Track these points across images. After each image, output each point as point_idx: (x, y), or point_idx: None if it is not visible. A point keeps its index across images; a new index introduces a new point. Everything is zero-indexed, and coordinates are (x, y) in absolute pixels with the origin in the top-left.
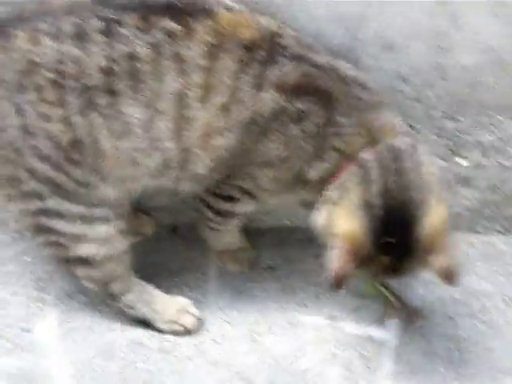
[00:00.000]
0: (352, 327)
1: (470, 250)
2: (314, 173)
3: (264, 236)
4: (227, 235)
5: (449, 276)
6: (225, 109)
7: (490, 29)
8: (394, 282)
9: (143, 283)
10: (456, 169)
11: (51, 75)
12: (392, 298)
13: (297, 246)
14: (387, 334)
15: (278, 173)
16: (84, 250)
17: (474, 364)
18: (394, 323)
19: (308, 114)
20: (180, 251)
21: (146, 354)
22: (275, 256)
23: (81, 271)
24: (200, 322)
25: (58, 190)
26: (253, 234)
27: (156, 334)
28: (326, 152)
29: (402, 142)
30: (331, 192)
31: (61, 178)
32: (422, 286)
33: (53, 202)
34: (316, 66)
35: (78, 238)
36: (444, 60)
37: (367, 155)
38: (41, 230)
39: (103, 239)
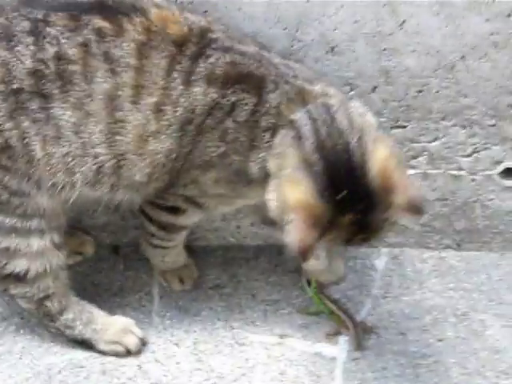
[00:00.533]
0: (301, 345)
1: (422, 265)
2: (254, 167)
3: (209, 254)
4: (171, 252)
5: (415, 207)
6: (157, 109)
7: (434, 29)
8: (342, 298)
9: (82, 302)
10: None
11: None
12: (341, 314)
13: (243, 264)
14: (337, 350)
15: (220, 173)
16: (17, 265)
17: (426, 378)
18: (343, 340)
19: (239, 103)
20: (122, 271)
21: (86, 376)
22: (221, 274)
23: (15, 289)
24: (142, 343)
25: None
26: (198, 252)
27: (97, 355)
28: (260, 138)
29: (332, 99)
30: (271, 166)
31: None
32: (373, 300)
33: None
34: (244, 54)
35: (12, 253)
36: (388, 63)
37: (296, 115)
38: None
39: (37, 253)
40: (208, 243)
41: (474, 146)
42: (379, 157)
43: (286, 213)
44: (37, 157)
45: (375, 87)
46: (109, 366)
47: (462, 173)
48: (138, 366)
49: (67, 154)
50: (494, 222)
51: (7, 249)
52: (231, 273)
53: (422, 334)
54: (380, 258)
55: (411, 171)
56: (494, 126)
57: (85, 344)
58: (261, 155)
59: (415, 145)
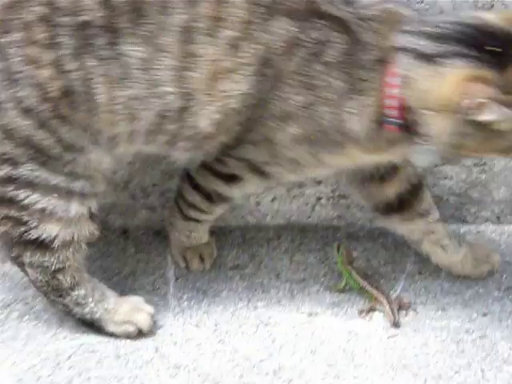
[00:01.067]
0: (333, 323)
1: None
2: (353, 119)
3: (227, 235)
4: (201, 228)
5: None
6: (234, 45)
7: None
8: (374, 275)
9: (95, 280)
10: None
11: (41, 10)
12: (373, 290)
13: (264, 244)
14: (372, 327)
15: (303, 129)
16: (46, 230)
17: (472, 354)
18: (378, 316)
19: (326, 41)
20: (133, 254)
21: (98, 360)
22: (241, 255)
23: (31, 257)
24: (154, 322)
25: (39, 154)
26: (216, 233)
27: (110, 339)
28: (360, 81)
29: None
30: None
31: (45, 139)
32: (408, 276)
33: (27, 170)
34: None
35: (46, 216)
36: None
37: (397, 40)
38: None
39: (72, 220)
40: (225, 223)
41: None
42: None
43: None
44: (99, 103)
45: None
46: (123, 350)
47: None
48: (156, 348)
49: (132, 96)
50: None
51: (43, 210)
52: (251, 253)
53: (463, 308)
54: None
55: None
56: None
57: (93, 326)
58: (365, 101)
59: None
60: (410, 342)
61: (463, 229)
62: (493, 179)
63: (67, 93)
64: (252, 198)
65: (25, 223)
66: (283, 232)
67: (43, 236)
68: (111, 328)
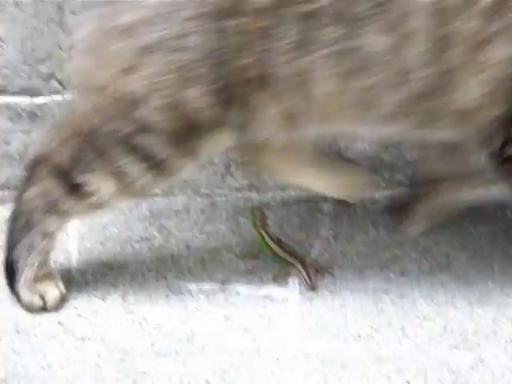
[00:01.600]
0: (247, 289)
1: (374, 206)
2: None
3: (133, 208)
4: None
5: None
6: (497, 8)
7: None
8: (288, 241)
9: None
10: None
11: None
12: (287, 255)
13: (172, 216)
14: (288, 292)
15: None
16: None
17: (391, 313)
18: (294, 281)
19: None
20: None
21: None
22: (149, 227)
23: None
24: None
25: None
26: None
27: (7, 314)
28: None
29: None
30: None
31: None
32: (323, 241)
33: None
34: None
35: None
36: None
37: None
38: None
39: None
40: None
41: None
42: None
43: None
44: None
45: None
46: (23, 325)
47: None
48: (59, 322)
49: (370, 85)
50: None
51: None
52: (159, 225)
53: (381, 270)
54: (326, 200)
55: None
56: None
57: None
58: None
59: None
60: (328, 304)
61: (377, 195)
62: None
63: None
64: None
65: None
66: (192, 203)
67: None
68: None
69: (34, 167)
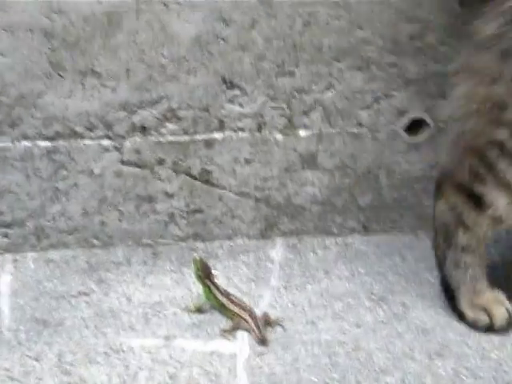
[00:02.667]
0: (193, 345)
1: (325, 252)
2: None
3: (70, 261)
4: None
5: None
6: None
7: None
8: (236, 292)
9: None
10: (294, 143)
11: None
12: (235, 307)
13: (111, 268)
14: (236, 346)
15: None
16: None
17: (346, 366)
18: (243, 335)
19: None
20: None
21: None
22: (86, 281)
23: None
24: None
25: None
26: (56, 260)
27: None
28: None
29: None
30: None
31: None
32: (273, 292)
33: None
34: None
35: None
36: None
37: None
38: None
39: None
40: (66, 248)
41: (374, 94)
42: None
43: None
44: None
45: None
46: None
47: (363, 130)
48: None
49: None
50: (404, 192)
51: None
52: (98, 278)
53: (334, 321)
54: (275, 248)
55: (303, 133)
56: (394, 65)
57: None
58: None
59: (306, 97)
60: (280, 358)
61: (329, 241)
62: (357, 183)
63: None
64: (96, 216)
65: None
66: (133, 254)
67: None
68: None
69: (440, 185)
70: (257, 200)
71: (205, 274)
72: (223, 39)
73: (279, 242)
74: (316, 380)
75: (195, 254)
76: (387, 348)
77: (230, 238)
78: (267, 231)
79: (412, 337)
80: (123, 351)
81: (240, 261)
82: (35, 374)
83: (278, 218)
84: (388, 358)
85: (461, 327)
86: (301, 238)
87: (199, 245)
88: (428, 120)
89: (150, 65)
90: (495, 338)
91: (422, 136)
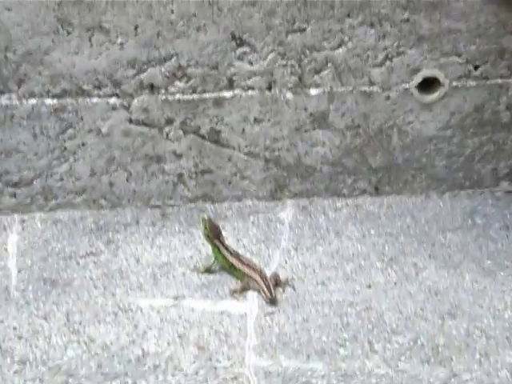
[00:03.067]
0: (202, 304)
1: (336, 214)
2: None
3: (78, 222)
4: None
5: None
6: None
7: None
8: (246, 253)
9: None
10: (304, 102)
11: None
12: (245, 268)
13: (120, 229)
14: (246, 306)
15: None
16: None
17: (357, 326)
18: (253, 295)
19: None
20: None
21: None
22: (95, 242)
23: None
24: None
25: None
26: (63, 220)
27: None
28: None
29: None
30: None
31: None
32: (283, 253)
33: None
34: None
35: None
36: None
37: None
38: None
39: None
40: (75, 208)
41: (386, 51)
42: None
43: None
44: None
45: None
46: None
47: (374, 88)
48: None
49: None
50: (416, 153)
51: None
52: (106, 239)
53: (345, 282)
54: (285, 210)
55: (314, 91)
56: (407, 21)
57: None
58: None
59: (317, 54)
60: (290, 318)
61: (339, 203)
62: (368, 144)
63: None
64: (104, 177)
65: None
66: (142, 215)
67: None
68: None
69: None
70: (266, 160)
71: (214, 234)
72: None
73: (289, 203)
74: (326, 340)
75: (203, 214)
76: (399, 308)
77: (239, 199)
78: (277, 192)
79: (424, 297)
80: (132, 311)
81: (250, 222)
82: (43, 332)
83: (288, 179)
84: (399, 319)
85: (473, 288)
86: (311, 199)
87: (208, 206)
88: (441, 79)
89: (158, 21)
90: (508, 298)
91: (435, 95)
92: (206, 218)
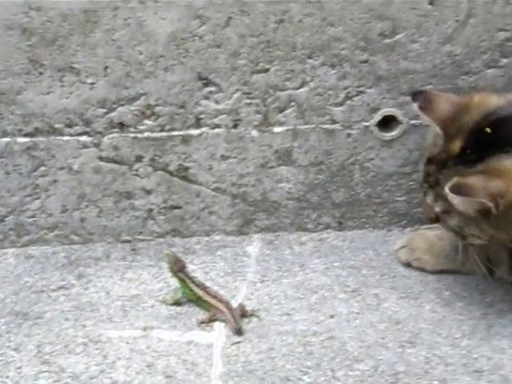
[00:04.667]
0: (170, 335)
1: (301, 248)
2: None
3: (50, 256)
4: None
5: None
6: None
7: None
8: (213, 285)
9: None
10: (269, 140)
11: None
12: (212, 299)
13: (91, 264)
14: (213, 336)
15: None
16: None
17: (320, 355)
18: (220, 325)
19: None
20: None
21: None
22: (66, 276)
23: None
24: None
25: None
26: (36, 256)
27: None
28: None
29: None
30: None
31: None
32: (249, 285)
33: None
34: None
35: None
36: None
37: None
38: None
39: None
40: (46, 244)
41: (347, 91)
42: None
43: None
44: None
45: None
46: None
47: (336, 126)
48: None
49: None
50: (377, 188)
51: None
52: (78, 273)
53: (309, 312)
54: (252, 244)
55: (278, 129)
56: (366, 62)
57: None
58: None
59: (280, 93)
60: (255, 347)
61: (304, 237)
62: (331, 180)
63: None
64: (75, 213)
65: None
66: (113, 250)
67: None
68: None
69: None
70: (233, 196)
71: (178, 268)
72: (199, 36)
73: (256, 237)
74: (290, 368)
75: (166, 250)
76: (361, 337)
77: (207, 233)
78: (244, 227)
79: (384, 326)
80: (101, 342)
81: (217, 256)
82: (15, 363)
83: (254, 214)
84: (361, 347)
85: (432, 317)
86: (277, 234)
87: (177, 240)
88: (400, 117)
89: (127, 62)
90: (465, 327)
91: (395, 133)
92: (170, 252)
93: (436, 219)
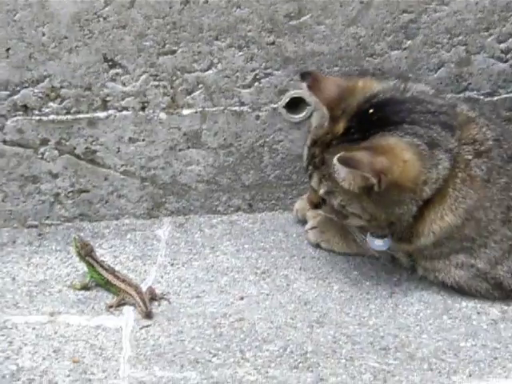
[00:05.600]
0: (78, 320)
1: (211, 230)
2: None
3: None
4: None
5: None
6: None
7: None
8: (123, 269)
9: None
10: (178, 122)
11: None
12: (119, 283)
13: None
14: (122, 320)
15: None
16: None
17: (230, 336)
18: (129, 309)
19: None
20: None
21: None
22: None
23: None
24: None
25: None
26: None
27: None
28: None
29: None
30: None
31: None
32: (159, 268)
33: None
34: None
35: None
36: None
37: None
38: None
39: None
40: None
41: (254, 73)
42: None
43: None
44: None
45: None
46: None
47: (245, 108)
48: None
49: None
50: (286, 170)
51: None
52: None
53: (219, 294)
54: (162, 227)
55: (186, 111)
56: (273, 44)
57: None
58: None
59: (188, 75)
60: (164, 330)
61: (215, 219)
62: (241, 162)
63: None
64: None
65: None
66: (19, 235)
67: None
68: None
69: None
70: (142, 179)
71: (85, 252)
72: (103, 17)
73: (166, 221)
74: (200, 350)
75: (74, 235)
76: (270, 318)
77: (116, 217)
78: (154, 210)
79: (294, 307)
80: (7, 328)
81: (127, 240)
82: None
83: (164, 197)
84: (270, 328)
85: (340, 297)
86: (187, 216)
87: (85, 225)
88: (308, 99)
89: (30, 43)
90: (372, 306)
91: (303, 114)
92: (76, 237)
93: (317, 205)
